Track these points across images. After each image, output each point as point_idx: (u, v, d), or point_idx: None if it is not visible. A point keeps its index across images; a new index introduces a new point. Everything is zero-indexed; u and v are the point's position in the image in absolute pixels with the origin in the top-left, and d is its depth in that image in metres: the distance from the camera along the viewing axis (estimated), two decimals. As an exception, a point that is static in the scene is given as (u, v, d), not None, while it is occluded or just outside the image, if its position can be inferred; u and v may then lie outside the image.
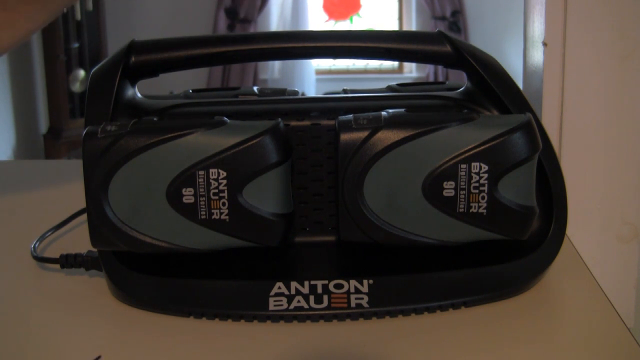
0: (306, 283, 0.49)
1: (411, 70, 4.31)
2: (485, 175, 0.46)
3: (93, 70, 0.54)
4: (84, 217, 0.63)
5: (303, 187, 0.53)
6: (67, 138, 3.26)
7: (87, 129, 0.47)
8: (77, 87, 3.26)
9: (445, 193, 0.46)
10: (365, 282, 0.49)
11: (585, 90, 0.67)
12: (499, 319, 0.48)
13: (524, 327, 0.47)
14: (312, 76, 4.12)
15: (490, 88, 0.53)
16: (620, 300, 0.70)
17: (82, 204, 0.54)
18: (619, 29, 0.65)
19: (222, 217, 0.46)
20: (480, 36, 4.10)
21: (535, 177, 0.48)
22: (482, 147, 0.46)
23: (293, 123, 0.53)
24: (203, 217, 0.47)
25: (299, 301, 0.48)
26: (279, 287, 0.48)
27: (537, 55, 0.69)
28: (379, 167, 0.46)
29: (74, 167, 0.92)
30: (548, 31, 0.66)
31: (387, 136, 0.46)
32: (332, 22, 4.34)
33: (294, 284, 0.49)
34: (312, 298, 0.48)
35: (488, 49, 0.56)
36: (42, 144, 3.36)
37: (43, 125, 3.39)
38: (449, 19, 4.15)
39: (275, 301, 0.48)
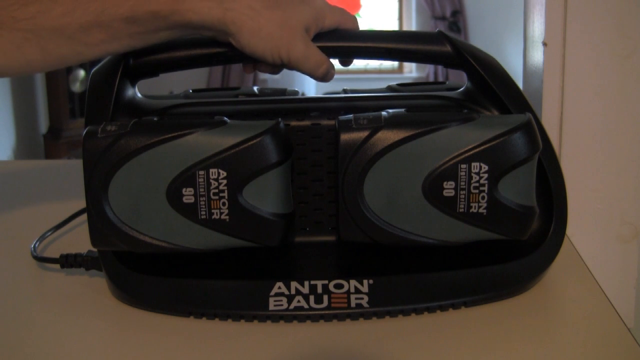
0: (306, 283, 0.49)
1: (411, 70, 4.31)
2: (486, 175, 0.46)
3: (93, 70, 0.54)
4: (84, 217, 0.63)
5: (303, 187, 0.53)
6: (67, 138, 3.26)
7: (87, 129, 0.47)
8: (77, 87, 3.25)
9: (446, 193, 0.46)
10: (365, 282, 0.48)
11: (585, 90, 0.67)
12: (499, 319, 0.48)
13: (524, 327, 0.47)
14: (312, 76, 4.11)
15: (491, 88, 0.53)
16: (620, 300, 0.70)
17: (82, 204, 0.54)
18: (619, 29, 0.65)
19: (222, 217, 0.46)
20: (480, 36, 4.10)
21: (535, 177, 0.48)
22: (482, 147, 0.46)
23: (293, 123, 0.53)
24: (203, 217, 0.47)
25: (299, 301, 0.48)
26: (279, 287, 0.48)
27: (537, 55, 0.69)
28: (379, 167, 0.46)
29: (74, 167, 0.92)
30: (548, 31, 0.66)
31: (387, 136, 0.46)
32: (332, 22, 4.33)
33: (294, 284, 0.49)
34: (312, 298, 0.48)
35: (488, 49, 0.56)
36: (42, 144, 3.36)
37: (43, 125, 3.39)
38: (449, 19, 4.15)
39: (275, 301, 0.48)
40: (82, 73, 3.24)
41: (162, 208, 0.47)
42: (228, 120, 0.48)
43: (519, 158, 0.46)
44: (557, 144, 0.68)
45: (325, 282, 0.49)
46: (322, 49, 0.52)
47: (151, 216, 0.47)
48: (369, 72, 4.28)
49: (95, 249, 0.50)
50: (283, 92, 0.59)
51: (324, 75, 0.52)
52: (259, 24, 0.48)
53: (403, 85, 0.61)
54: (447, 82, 0.60)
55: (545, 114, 0.68)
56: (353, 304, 0.48)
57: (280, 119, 0.48)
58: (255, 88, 0.61)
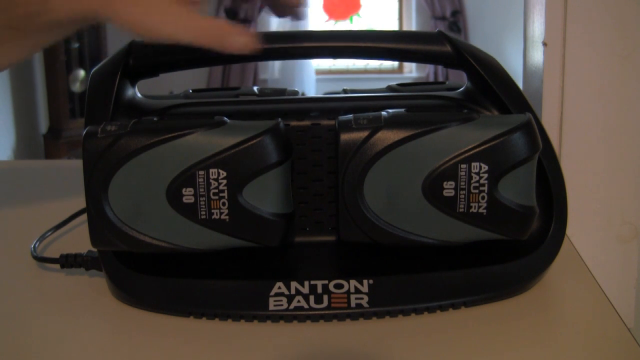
0: (306, 283, 0.49)
1: (411, 70, 4.32)
2: (486, 175, 0.46)
3: (93, 70, 0.54)
4: (84, 217, 0.63)
5: (303, 187, 0.53)
6: (67, 138, 3.26)
7: (87, 129, 0.47)
8: (77, 87, 3.26)
9: (445, 193, 0.46)
10: (365, 282, 0.48)
11: (585, 90, 0.67)
12: (499, 319, 0.48)
13: (524, 327, 0.47)
14: (312, 76, 4.12)
15: (491, 88, 0.53)
16: (620, 300, 0.70)
17: (82, 204, 0.54)
18: (619, 29, 0.65)
19: (222, 217, 0.46)
20: (480, 36, 4.11)
21: (535, 177, 0.48)
22: (482, 147, 0.46)
23: (293, 123, 0.53)
24: (203, 217, 0.47)
25: (299, 301, 0.48)
26: (279, 287, 0.48)
27: (537, 55, 0.69)
28: (379, 167, 0.46)
29: (74, 167, 0.92)
30: (548, 31, 0.66)
31: (387, 136, 0.46)
32: (332, 22, 4.34)
33: (294, 284, 0.49)
34: (312, 298, 0.48)
35: (488, 49, 0.56)
36: (42, 144, 3.36)
37: (43, 125, 3.39)
38: (449, 19, 4.15)
39: (275, 301, 0.48)
40: (82, 73, 3.24)
41: (162, 208, 0.47)
42: (228, 120, 0.48)
43: (519, 158, 0.46)
44: (557, 144, 0.68)
45: (325, 282, 0.49)
46: (322, 49, 0.52)
47: (151, 216, 0.47)
48: (369, 72, 4.28)
49: (95, 249, 0.50)
50: (283, 92, 0.59)
51: (218, 40, 0.47)
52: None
53: (403, 85, 0.61)
54: (447, 82, 0.60)
55: (545, 114, 0.68)
56: (353, 304, 0.48)
57: (280, 119, 0.48)
58: (255, 88, 0.61)
